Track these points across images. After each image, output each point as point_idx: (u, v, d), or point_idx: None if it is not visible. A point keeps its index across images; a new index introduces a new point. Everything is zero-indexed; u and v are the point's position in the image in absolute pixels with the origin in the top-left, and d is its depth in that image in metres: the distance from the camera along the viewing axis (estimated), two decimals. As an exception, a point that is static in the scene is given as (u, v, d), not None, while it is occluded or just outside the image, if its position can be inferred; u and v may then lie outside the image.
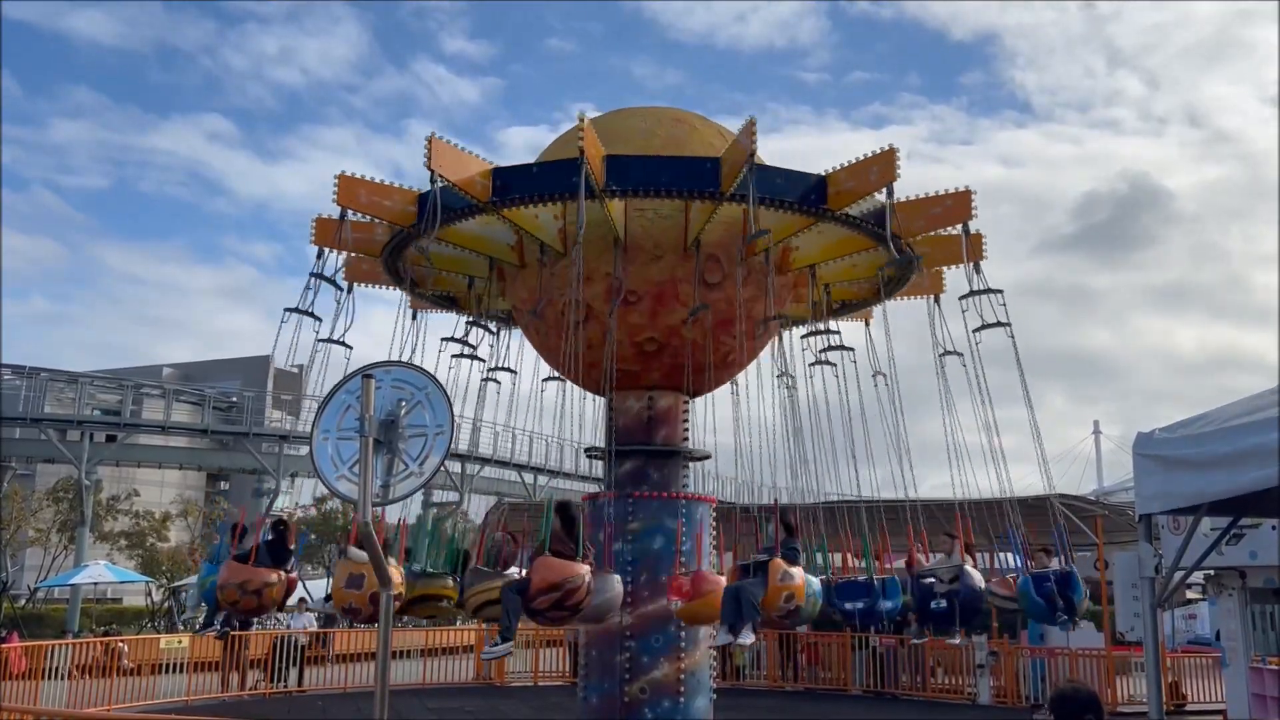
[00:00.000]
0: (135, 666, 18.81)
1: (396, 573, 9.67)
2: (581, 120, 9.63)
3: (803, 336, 12.52)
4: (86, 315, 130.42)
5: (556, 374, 12.96)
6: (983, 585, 10.63)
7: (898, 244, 10.45)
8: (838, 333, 12.44)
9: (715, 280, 10.93)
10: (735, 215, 10.54)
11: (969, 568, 10.61)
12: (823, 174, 10.23)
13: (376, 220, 10.95)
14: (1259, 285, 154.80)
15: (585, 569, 8.60)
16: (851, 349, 12.07)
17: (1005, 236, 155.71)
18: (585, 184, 9.33)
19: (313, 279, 11.17)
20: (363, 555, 9.24)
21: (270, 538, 10.00)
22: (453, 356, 12.67)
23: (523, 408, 13.69)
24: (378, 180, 10.62)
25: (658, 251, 10.82)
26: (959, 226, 10.75)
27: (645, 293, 10.92)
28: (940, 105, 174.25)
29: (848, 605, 10.45)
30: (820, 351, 12.30)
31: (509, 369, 13.27)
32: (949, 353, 11.33)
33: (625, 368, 11.08)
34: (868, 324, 13.11)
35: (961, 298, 11.12)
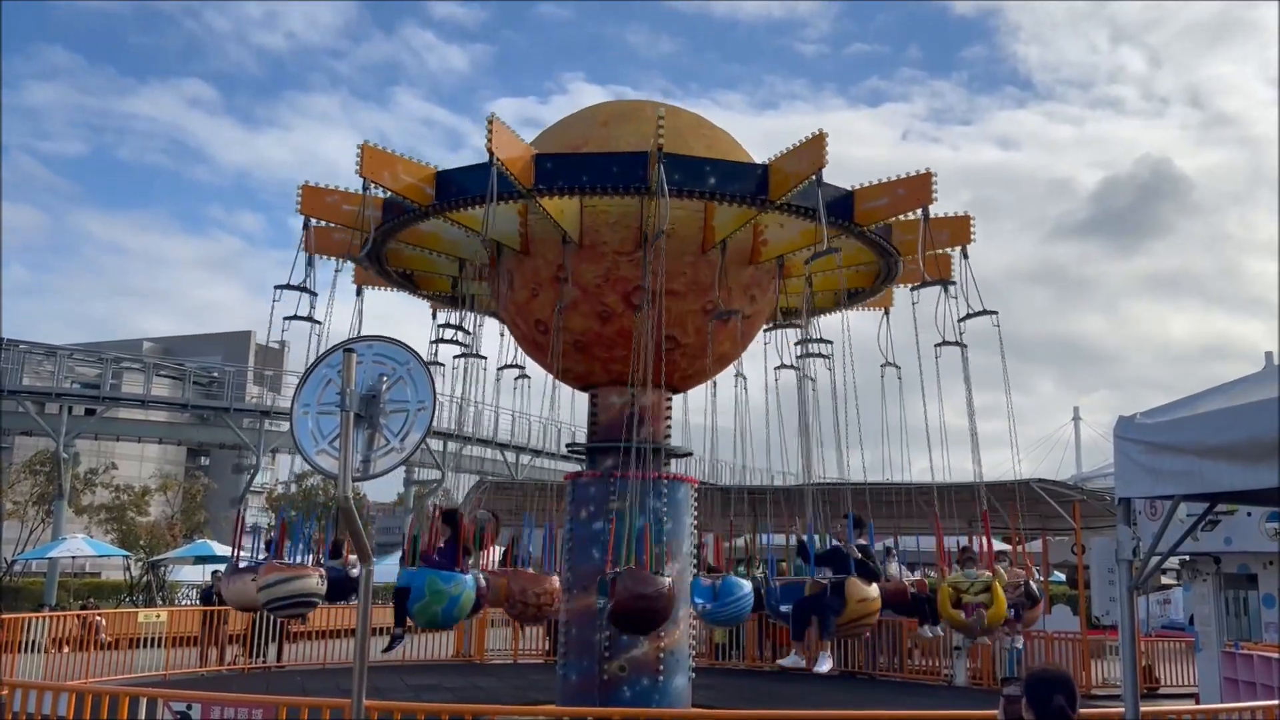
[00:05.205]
0: (113, 640, 18.72)
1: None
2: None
3: (769, 329, 12.51)
4: (66, 285, 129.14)
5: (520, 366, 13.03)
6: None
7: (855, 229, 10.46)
8: (820, 340, 12.28)
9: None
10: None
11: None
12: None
13: (368, 193, 10.75)
14: (1253, 273, 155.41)
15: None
16: (830, 342, 12.06)
17: (1010, 221, 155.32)
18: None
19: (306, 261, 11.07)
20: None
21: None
22: (432, 342, 12.62)
23: (506, 389, 13.71)
24: (403, 156, 10.35)
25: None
26: (919, 211, 10.31)
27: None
28: (940, 81, 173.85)
29: (783, 608, 10.23)
30: (797, 343, 12.33)
31: (481, 355, 13.23)
32: (889, 364, 11.33)
33: (618, 367, 11.11)
34: (887, 312, 12.50)
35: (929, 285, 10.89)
